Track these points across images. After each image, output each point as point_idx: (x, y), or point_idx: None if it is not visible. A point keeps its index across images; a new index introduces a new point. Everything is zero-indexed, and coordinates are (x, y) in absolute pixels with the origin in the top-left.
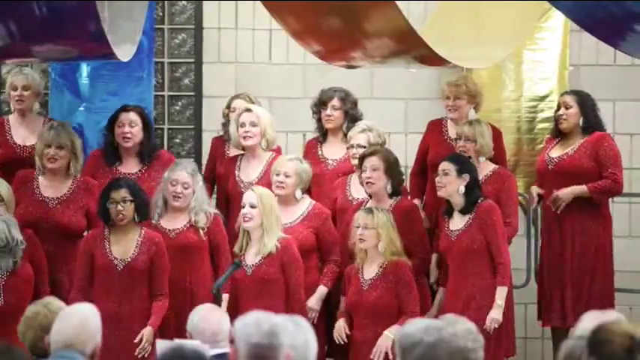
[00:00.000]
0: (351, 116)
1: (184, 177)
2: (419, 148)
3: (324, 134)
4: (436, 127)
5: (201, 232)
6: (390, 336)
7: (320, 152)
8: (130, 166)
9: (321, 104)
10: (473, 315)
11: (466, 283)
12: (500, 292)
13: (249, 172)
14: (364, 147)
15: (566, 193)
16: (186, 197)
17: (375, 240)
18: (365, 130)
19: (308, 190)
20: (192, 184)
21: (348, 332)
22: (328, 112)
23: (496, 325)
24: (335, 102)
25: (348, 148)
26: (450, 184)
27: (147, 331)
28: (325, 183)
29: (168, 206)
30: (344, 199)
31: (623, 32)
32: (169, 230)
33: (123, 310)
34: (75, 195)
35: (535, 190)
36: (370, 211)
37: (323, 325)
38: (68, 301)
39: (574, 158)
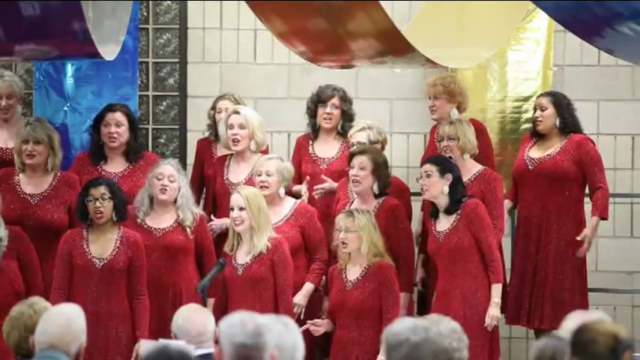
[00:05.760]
0: (347, 115)
1: (170, 170)
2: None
3: (315, 132)
4: (433, 130)
5: (188, 231)
6: None
7: (312, 150)
8: (116, 165)
9: (320, 102)
10: (468, 313)
11: (456, 282)
12: (496, 290)
13: (237, 173)
14: (365, 144)
15: (591, 233)
16: (173, 191)
17: (357, 243)
18: (365, 128)
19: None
20: (178, 179)
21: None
22: (328, 110)
23: (496, 323)
24: (335, 101)
25: (348, 147)
26: (434, 186)
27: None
28: (319, 182)
29: (154, 204)
30: (346, 201)
31: (606, 32)
32: (155, 229)
33: (101, 309)
34: (56, 191)
35: (507, 204)
36: (351, 213)
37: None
38: (49, 302)
39: (557, 160)
